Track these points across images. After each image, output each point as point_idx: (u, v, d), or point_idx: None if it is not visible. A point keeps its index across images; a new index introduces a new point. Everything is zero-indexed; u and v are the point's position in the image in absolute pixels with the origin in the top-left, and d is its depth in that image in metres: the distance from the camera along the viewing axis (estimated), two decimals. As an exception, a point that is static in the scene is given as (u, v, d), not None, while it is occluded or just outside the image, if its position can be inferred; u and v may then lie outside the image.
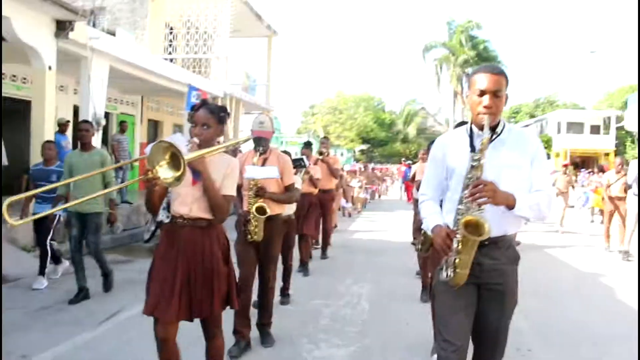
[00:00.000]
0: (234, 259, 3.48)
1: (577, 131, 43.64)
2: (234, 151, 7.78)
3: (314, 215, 8.11)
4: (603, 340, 5.10)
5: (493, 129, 2.62)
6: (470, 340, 2.71)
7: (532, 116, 56.69)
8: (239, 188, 4.21)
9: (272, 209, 4.48)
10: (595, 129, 42.00)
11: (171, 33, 16.45)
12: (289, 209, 5.90)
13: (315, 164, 8.04)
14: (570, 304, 6.46)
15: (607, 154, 40.58)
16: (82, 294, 5.98)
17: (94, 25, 9.24)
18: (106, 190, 5.87)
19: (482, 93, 2.55)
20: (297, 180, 5.98)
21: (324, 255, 9.05)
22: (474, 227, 2.42)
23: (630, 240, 9.56)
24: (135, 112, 15.59)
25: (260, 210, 4.36)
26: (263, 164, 4.51)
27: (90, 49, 9.19)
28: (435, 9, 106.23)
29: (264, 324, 4.75)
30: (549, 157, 44.26)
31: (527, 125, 53.18)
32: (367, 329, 5.30)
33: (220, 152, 3.29)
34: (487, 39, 49.56)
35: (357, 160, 42.26)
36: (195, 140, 3.18)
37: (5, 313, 5.12)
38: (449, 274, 2.53)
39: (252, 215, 4.37)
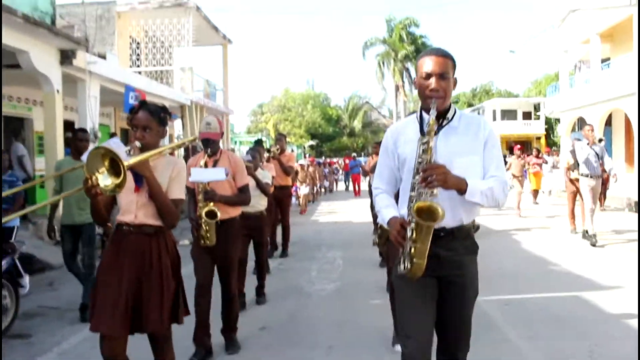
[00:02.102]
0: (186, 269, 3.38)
1: (510, 117, 46.64)
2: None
3: (271, 216, 7.83)
4: (577, 325, 4.96)
5: (443, 114, 2.56)
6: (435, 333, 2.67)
7: (469, 105, 59.56)
8: (193, 191, 4.29)
9: (224, 212, 4.30)
10: (527, 115, 44.65)
11: (138, 47, 17.84)
12: (260, 205, 5.97)
13: (268, 161, 7.69)
14: (539, 289, 6.30)
15: (538, 138, 43.71)
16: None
17: (87, 51, 10.71)
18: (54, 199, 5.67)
19: (428, 76, 2.49)
20: (267, 176, 6.23)
21: (284, 253, 8.88)
22: (427, 213, 2.32)
23: (591, 221, 9.29)
24: (109, 122, 16.92)
25: (210, 214, 4.18)
26: (214, 166, 4.35)
27: (89, 72, 10.71)
28: (374, 7, 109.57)
29: (228, 331, 4.58)
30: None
31: (465, 114, 56.15)
32: (344, 274, 7.43)
33: (165, 154, 3.11)
34: (425, 34, 52.08)
35: (307, 156, 43.96)
36: (137, 144, 2.99)
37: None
38: (406, 265, 2.42)
39: (202, 220, 4.18)
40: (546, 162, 18.55)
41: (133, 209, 2.99)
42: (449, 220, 2.43)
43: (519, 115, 46.32)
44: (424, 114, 2.55)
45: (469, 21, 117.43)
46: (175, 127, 21.15)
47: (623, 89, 16.71)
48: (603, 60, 19.86)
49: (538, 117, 45.10)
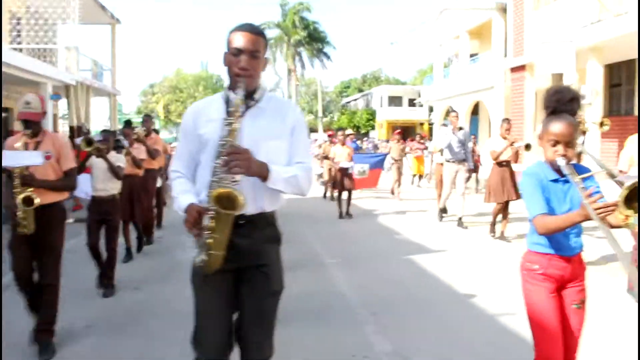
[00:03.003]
0: None
1: (397, 104, 49.26)
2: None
3: (146, 199, 7.79)
4: (433, 305, 5.09)
5: (251, 95, 2.41)
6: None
7: (360, 91, 61.91)
8: (10, 174, 3.93)
9: (45, 198, 3.94)
10: (412, 102, 47.05)
11: (18, 23, 17.30)
12: (113, 189, 5.82)
13: (131, 145, 7.31)
14: (397, 271, 6.41)
15: (422, 124, 46.43)
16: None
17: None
18: None
19: (238, 52, 2.33)
20: (121, 160, 6.02)
21: (149, 241, 8.26)
22: (226, 201, 2.17)
23: (444, 201, 9.96)
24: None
25: (27, 201, 3.81)
26: (35, 149, 3.95)
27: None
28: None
29: (43, 331, 4.01)
30: (373, 127, 49.82)
31: (355, 100, 58.48)
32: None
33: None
34: (317, 20, 53.27)
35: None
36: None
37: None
38: (202, 257, 2.29)
39: (19, 207, 3.82)
40: (426, 148, 19.38)
41: None
42: (249, 207, 2.33)
43: (405, 102, 48.87)
44: (231, 93, 2.38)
45: (358, 9, 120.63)
46: (60, 107, 20.67)
47: (485, 83, 18.67)
48: (472, 55, 21.85)
49: (422, 105, 47.76)
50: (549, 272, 2.60)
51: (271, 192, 2.42)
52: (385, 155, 14.62)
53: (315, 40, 52.32)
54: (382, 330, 4.47)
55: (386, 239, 8.67)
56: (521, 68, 15.75)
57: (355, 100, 58.55)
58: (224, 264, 2.34)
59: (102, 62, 21.54)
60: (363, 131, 50.19)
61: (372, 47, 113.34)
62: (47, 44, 17.25)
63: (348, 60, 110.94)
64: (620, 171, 4.90)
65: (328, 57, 53.80)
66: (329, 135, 15.69)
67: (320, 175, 15.77)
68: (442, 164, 10.18)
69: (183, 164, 2.54)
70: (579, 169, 2.58)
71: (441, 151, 10.10)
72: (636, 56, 13.76)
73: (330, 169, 12.52)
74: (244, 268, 2.46)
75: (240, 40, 2.34)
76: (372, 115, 50.32)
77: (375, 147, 28.04)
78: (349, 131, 16.99)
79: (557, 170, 2.55)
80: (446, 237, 8.71)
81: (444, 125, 10.97)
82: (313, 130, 52.44)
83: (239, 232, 2.35)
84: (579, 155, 6.49)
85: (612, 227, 2.33)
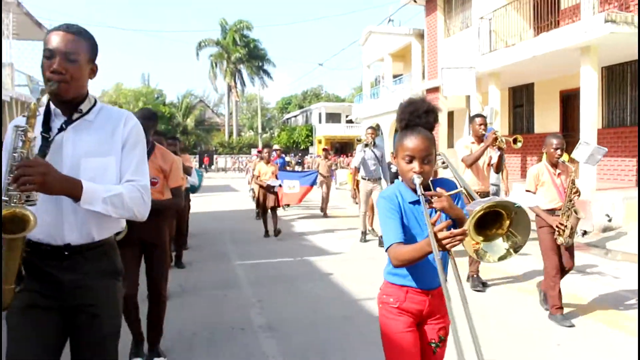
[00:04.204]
0: None
1: (335, 120, 50.62)
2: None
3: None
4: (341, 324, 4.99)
5: (75, 105, 2.15)
6: None
7: (300, 107, 63.20)
8: None
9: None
10: (349, 119, 48.53)
11: (-48, 40, 17.54)
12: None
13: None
14: (306, 289, 6.31)
15: (359, 140, 47.77)
16: None
17: None
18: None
19: (51, 54, 2.04)
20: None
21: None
22: (11, 224, 1.82)
23: (363, 220, 9.54)
24: None
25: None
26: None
27: None
28: (208, 7, 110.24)
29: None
30: (312, 143, 50.94)
31: (295, 116, 59.68)
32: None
33: None
34: (257, 38, 54.40)
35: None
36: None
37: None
38: None
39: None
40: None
41: None
42: (74, 235, 2.08)
43: (343, 118, 50.29)
44: (52, 105, 2.13)
45: (297, 29, 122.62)
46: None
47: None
48: (396, 76, 23.38)
49: (359, 122, 49.06)
50: (405, 306, 2.35)
51: (102, 217, 2.09)
52: (317, 172, 13.98)
53: (255, 57, 53.44)
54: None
55: (307, 259, 8.11)
56: (435, 89, 17.23)
57: (295, 116, 59.83)
58: (42, 300, 2.07)
59: (38, 77, 21.82)
60: (302, 147, 51.33)
61: (310, 65, 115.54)
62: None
63: (290, 77, 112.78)
64: (527, 190, 5.18)
65: (268, 75, 54.96)
66: (258, 152, 15.42)
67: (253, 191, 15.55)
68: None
69: None
70: (442, 185, 2.35)
71: (356, 168, 9.69)
72: (533, 80, 15.56)
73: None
74: (69, 308, 2.12)
75: (53, 41, 2.05)
76: (311, 131, 51.59)
77: (299, 163, 28.48)
78: (276, 147, 16.64)
79: (416, 190, 2.23)
80: (348, 247, 9.05)
81: (358, 141, 10.22)
82: (253, 146, 53.24)
83: (62, 266, 2.09)
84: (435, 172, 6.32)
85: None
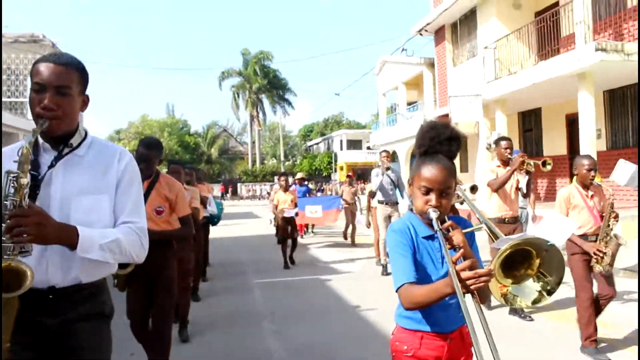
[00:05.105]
0: None
1: (356, 147, 51.26)
2: None
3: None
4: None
5: (66, 139, 2.01)
6: None
7: (322, 134, 64.08)
8: None
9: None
10: (369, 146, 49.04)
11: (-9, 79, 18.81)
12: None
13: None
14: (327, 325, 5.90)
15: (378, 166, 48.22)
16: None
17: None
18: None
19: (41, 88, 1.92)
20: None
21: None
22: (9, 277, 1.72)
23: (384, 248, 8.84)
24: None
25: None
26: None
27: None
28: (231, 37, 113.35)
29: None
30: (335, 170, 51.61)
31: (317, 143, 60.57)
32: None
33: None
34: (277, 69, 55.62)
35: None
36: None
37: None
38: None
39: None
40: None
41: None
42: (58, 278, 1.94)
43: (364, 145, 50.84)
44: (41, 139, 2.01)
45: (317, 61, 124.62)
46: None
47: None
48: (411, 103, 24.07)
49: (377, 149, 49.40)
50: (422, 353, 2.08)
51: (89, 260, 1.94)
52: (340, 197, 13.92)
53: (275, 87, 54.67)
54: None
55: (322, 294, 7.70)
56: (446, 116, 17.85)
57: (317, 144, 60.71)
58: (23, 354, 1.92)
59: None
60: (324, 174, 52.02)
61: (329, 94, 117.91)
62: (17, 97, 18.80)
63: (311, 106, 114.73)
64: (536, 216, 4.80)
65: (289, 103, 56.07)
66: (278, 178, 15.29)
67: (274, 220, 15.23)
68: (375, 208, 9.38)
69: None
70: (458, 223, 2.10)
71: (372, 193, 9.51)
72: (540, 105, 16.11)
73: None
74: (50, 356, 1.98)
75: (42, 74, 1.93)
76: (332, 158, 52.33)
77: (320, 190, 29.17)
78: (299, 175, 15.91)
79: (431, 224, 2.01)
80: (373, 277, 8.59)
81: (374, 168, 10.03)
82: (276, 174, 53.97)
83: (46, 309, 1.94)
84: (453, 207, 6.13)
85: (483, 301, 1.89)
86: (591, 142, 11.16)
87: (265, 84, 53.18)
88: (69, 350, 1.98)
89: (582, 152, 11.14)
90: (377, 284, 8.14)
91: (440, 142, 2.07)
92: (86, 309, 2.03)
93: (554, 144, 15.75)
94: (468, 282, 1.75)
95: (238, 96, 54.83)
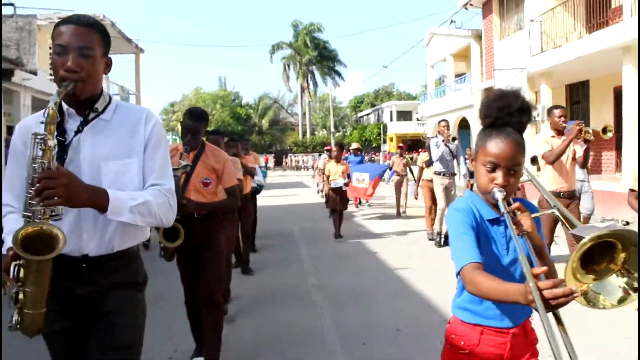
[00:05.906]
0: None
1: (406, 118, 51.04)
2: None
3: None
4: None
5: (91, 104, 1.98)
6: None
7: (372, 105, 63.98)
8: None
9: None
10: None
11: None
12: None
13: None
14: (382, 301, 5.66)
15: (425, 137, 48.08)
16: None
17: (21, 69, 13.13)
18: None
19: (63, 50, 1.86)
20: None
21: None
22: (39, 243, 1.67)
23: (440, 220, 8.56)
24: None
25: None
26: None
27: (23, 87, 13.18)
28: (281, 10, 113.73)
29: None
30: (384, 141, 51.66)
31: (367, 114, 60.61)
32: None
33: None
34: (327, 40, 55.78)
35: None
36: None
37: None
38: (16, 318, 1.75)
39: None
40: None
41: None
42: (92, 245, 1.94)
43: (414, 116, 50.51)
44: (65, 105, 1.96)
45: (368, 33, 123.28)
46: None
47: (466, 101, 20.92)
48: (459, 75, 24.06)
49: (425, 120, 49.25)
50: (480, 350, 1.87)
51: (124, 226, 1.97)
52: (388, 166, 14.00)
53: (326, 59, 54.90)
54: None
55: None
56: (490, 89, 17.97)
57: (367, 115, 60.76)
58: (60, 323, 1.95)
59: (128, 87, 24.16)
60: (374, 145, 52.21)
61: (380, 65, 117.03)
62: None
63: (362, 76, 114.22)
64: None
65: (339, 75, 56.26)
66: (327, 150, 15.45)
67: (322, 191, 15.42)
68: (430, 180, 9.11)
69: (14, 195, 1.99)
70: (524, 206, 1.85)
71: (426, 163, 9.38)
72: (588, 78, 15.98)
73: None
74: (86, 322, 2.00)
75: (64, 36, 1.89)
76: (382, 129, 52.40)
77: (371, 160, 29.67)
78: (354, 145, 15.54)
79: (496, 205, 1.81)
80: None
81: (433, 137, 9.56)
82: (326, 144, 54.67)
83: (79, 278, 1.96)
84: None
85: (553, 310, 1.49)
86: (634, 117, 11.17)
87: (316, 55, 53.54)
88: (103, 315, 1.98)
89: (625, 126, 11.21)
90: (430, 258, 7.85)
91: (510, 114, 1.81)
92: (119, 277, 2.03)
93: (602, 117, 15.63)
94: (551, 302, 1.43)
95: (289, 68, 55.50)
